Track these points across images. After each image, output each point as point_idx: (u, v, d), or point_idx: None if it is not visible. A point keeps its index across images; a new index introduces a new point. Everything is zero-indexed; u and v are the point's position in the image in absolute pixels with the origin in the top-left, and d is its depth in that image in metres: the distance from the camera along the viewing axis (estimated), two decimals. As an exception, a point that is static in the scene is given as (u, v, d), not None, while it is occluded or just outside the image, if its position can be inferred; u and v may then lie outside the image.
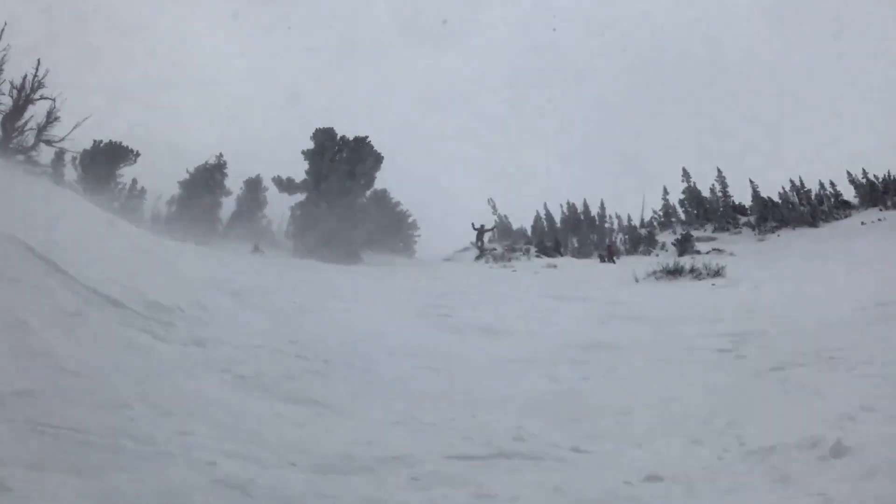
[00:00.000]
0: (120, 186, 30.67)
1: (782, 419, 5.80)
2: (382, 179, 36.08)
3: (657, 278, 20.53)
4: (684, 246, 38.92)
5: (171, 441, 4.35)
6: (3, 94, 17.36)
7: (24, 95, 17.52)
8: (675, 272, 20.69)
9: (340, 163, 33.71)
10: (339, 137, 34.70)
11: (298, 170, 34.31)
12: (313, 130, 34.64)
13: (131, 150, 28.83)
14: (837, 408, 5.76)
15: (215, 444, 4.45)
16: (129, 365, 5.81)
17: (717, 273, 20.50)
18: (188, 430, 4.61)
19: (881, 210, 43.29)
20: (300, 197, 34.04)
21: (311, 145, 34.30)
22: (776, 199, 48.78)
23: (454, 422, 5.93)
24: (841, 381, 6.84)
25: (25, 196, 10.38)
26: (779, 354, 8.54)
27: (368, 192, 35.38)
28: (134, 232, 12.20)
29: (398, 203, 38.10)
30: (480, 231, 38.28)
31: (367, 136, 34.62)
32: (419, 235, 38.55)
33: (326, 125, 34.61)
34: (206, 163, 34.95)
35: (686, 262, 22.23)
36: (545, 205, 57.00)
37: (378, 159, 34.78)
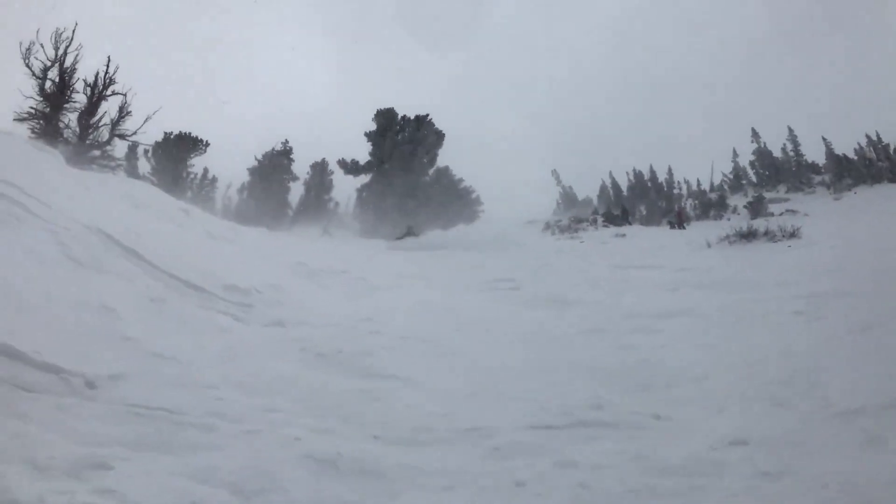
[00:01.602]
0: (192, 176, 31.42)
1: (868, 380, 5.62)
2: (445, 157, 36.11)
3: (730, 243, 20.04)
4: (757, 208, 37.84)
5: (258, 418, 4.50)
6: (78, 91, 17.97)
7: (97, 92, 18.09)
8: (748, 235, 20.16)
9: (402, 142, 33.86)
10: (400, 117, 34.82)
11: (362, 151, 34.62)
12: (374, 112, 34.85)
13: (201, 140, 29.48)
14: (925, 366, 5.57)
15: (300, 420, 4.59)
16: (213, 346, 6.00)
17: (793, 234, 19.89)
18: (273, 407, 4.75)
19: (967, 161, 41.26)
20: (365, 178, 34.35)
21: (373, 127, 34.52)
22: (851, 155, 46.99)
23: (530, 392, 5.95)
24: (930, 339, 6.60)
25: (103, 190, 10.75)
26: (860, 315, 8.26)
27: (431, 170, 35.45)
28: (208, 219, 12.54)
29: (461, 179, 38.09)
30: None
31: (427, 115, 34.66)
32: (483, 211, 38.50)
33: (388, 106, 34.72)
34: (273, 149, 35.55)
35: (759, 224, 21.64)
36: (610, 173, 56.19)
37: (440, 137, 34.81)
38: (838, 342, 7.32)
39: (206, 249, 9.79)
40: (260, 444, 4.05)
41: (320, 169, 37.29)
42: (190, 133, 29.71)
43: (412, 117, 34.51)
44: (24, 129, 17.23)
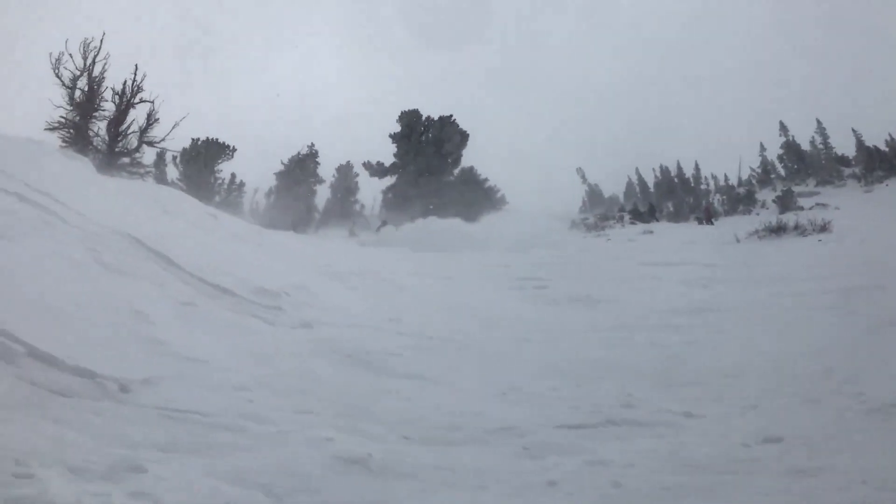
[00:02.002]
0: (219, 181, 31.74)
1: (905, 376, 5.54)
2: (469, 157, 36.14)
3: (759, 237, 19.85)
4: (786, 202, 37.35)
5: (289, 420, 4.53)
6: (106, 100, 18.24)
7: (125, 100, 18.34)
8: (778, 230, 19.94)
9: (427, 143, 33.94)
10: (424, 118, 34.91)
11: (387, 153, 34.77)
12: (399, 113, 34.98)
13: (228, 146, 29.78)
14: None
15: (330, 420, 4.61)
16: (243, 349, 6.05)
17: (823, 228, 19.64)
18: (303, 408, 4.78)
19: None
20: (390, 180, 34.49)
21: (397, 128, 34.65)
22: (883, 147, 46.20)
23: (559, 391, 5.93)
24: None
25: (133, 196, 10.89)
26: (893, 308, 8.14)
27: (456, 170, 35.51)
28: (236, 223, 12.65)
29: (486, 179, 38.08)
30: None
31: (451, 115, 34.78)
32: (508, 210, 38.44)
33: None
34: (299, 153, 35.82)
35: (789, 218, 21.40)
36: (637, 170, 55.82)
37: (464, 137, 34.89)
38: (872, 336, 7.22)
39: (234, 253, 9.88)
40: (291, 446, 4.07)
41: (346, 171, 37.53)
42: (217, 139, 30.03)
43: (436, 118, 34.58)
44: (55, 139, 17.52)
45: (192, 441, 4.02)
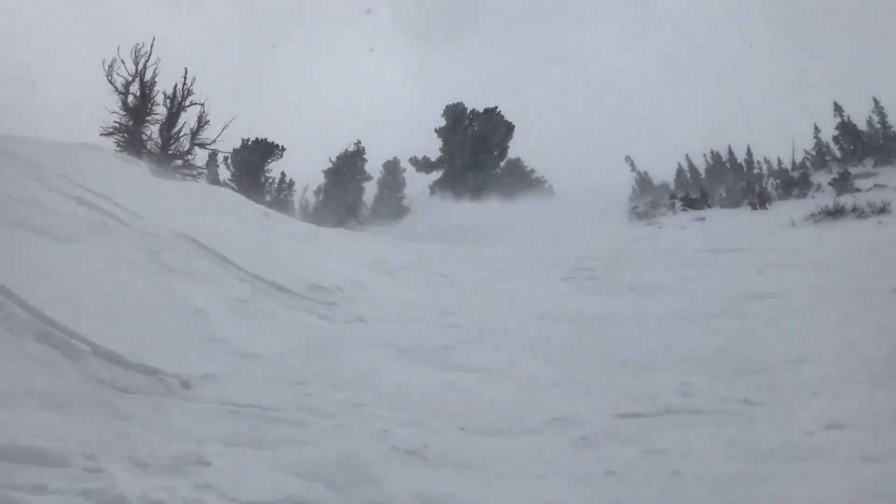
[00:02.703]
0: (270, 181, 32.15)
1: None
2: (515, 148, 35.99)
3: (816, 221, 19.34)
4: (842, 185, 36.27)
5: (347, 413, 4.59)
6: (158, 104, 18.67)
7: (177, 104, 18.75)
8: (835, 213, 19.39)
9: (472, 136, 33.90)
10: (468, 111, 34.88)
11: (433, 148, 34.83)
12: (443, 107, 35.01)
13: (277, 146, 30.16)
14: None
15: (387, 413, 4.65)
16: (299, 344, 6.15)
17: (883, 210, 19.02)
18: (361, 401, 4.83)
19: None
20: (437, 174, 34.56)
21: (442, 122, 34.69)
22: (945, 124, 44.61)
23: (616, 381, 5.87)
24: None
25: (187, 197, 11.13)
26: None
27: (502, 163, 35.41)
28: (288, 221, 12.84)
29: (532, 170, 37.86)
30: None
31: (496, 107, 34.65)
32: (557, 201, 38.16)
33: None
34: (346, 150, 36.09)
35: (846, 201, 20.81)
36: (687, 156, 54.76)
37: (509, 128, 34.75)
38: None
39: (287, 251, 10.02)
40: (349, 438, 4.12)
41: (392, 167, 37.68)
42: (266, 139, 30.41)
43: (481, 111, 34.51)
44: (110, 143, 18.01)
45: (252, 435, 4.10)
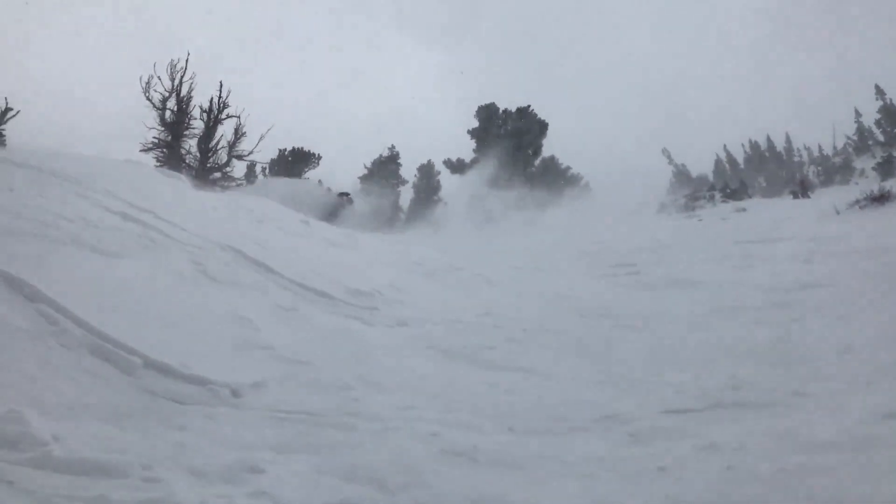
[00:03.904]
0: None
1: None
2: (549, 146, 35.84)
3: (861, 207, 18.91)
4: (887, 169, 35.51)
5: (395, 416, 4.62)
6: (195, 118, 18.98)
7: (213, 117, 19.03)
8: (880, 199, 18.93)
9: (506, 136, 33.85)
10: (501, 111, 34.84)
11: (467, 149, 34.86)
12: (476, 108, 35.02)
13: (313, 154, 30.44)
14: None
15: (434, 415, 4.67)
16: (344, 350, 6.19)
17: (931, 192, 18.58)
18: (407, 404, 4.86)
19: None
20: (471, 176, 34.55)
21: (475, 123, 34.70)
22: None
23: (663, 377, 5.82)
24: None
25: (228, 208, 11.29)
26: None
27: (537, 161, 35.29)
28: (327, 228, 12.96)
29: (568, 168, 37.67)
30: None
31: (529, 106, 34.57)
32: (594, 196, 37.90)
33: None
34: (381, 156, 36.29)
35: (892, 185, 20.33)
36: (725, 146, 54.10)
37: (543, 127, 34.65)
38: None
39: (327, 257, 10.11)
40: (398, 441, 4.15)
41: (427, 171, 37.77)
42: (302, 148, 30.71)
43: (513, 110, 34.45)
44: (150, 158, 18.35)
45: (303, 441, 4.14)
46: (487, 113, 34.58)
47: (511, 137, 33.75)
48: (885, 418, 4.27)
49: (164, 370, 4.83)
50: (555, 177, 36.02)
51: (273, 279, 7.75)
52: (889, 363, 5.57)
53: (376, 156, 36.52)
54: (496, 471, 3.78)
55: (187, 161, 18.99)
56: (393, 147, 36.60)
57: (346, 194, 28.59)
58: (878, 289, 8.66)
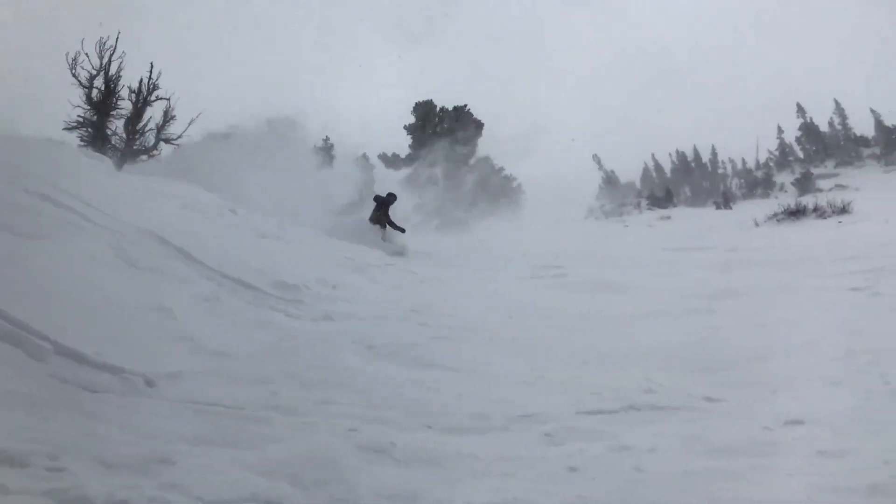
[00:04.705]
0: (234, 176, 31.73)
1: (930, 356, 5.53)
2: (485, 147, 36.10)
3: (778, 220, 19.74)
4: (804, 185, 37.13)
5: (314, 411, 4.58)
6: (123, 98, 18.38)
7: (142, 98, 18.47)
8: (797, 213, 19.82)
9: (442, 134, 33.94)
10: (438, 109, 34.93)
11: (403, 145, 34.80)
12: (413, 104, 35.03)
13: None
14: None
15: (354, 411, 4.65)
16: (266, 342, 6.11)
17: (843, 210, 19.51)
18: (328, 399, 4.82)
19: None
20: (406, 171, 34.52)
21: (412, 119, 34.71)
22: (903, 126, 45.66)
23: (582, 378, 5.94)
24: None
25: (154, 193, 11.00)
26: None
27: (472, 160, 35.50)
28: (256, 217, 12.73)
29: (501, 168, 38.00)
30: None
31: (465, 105, 34.75)
32: (525, 199, 38.35)
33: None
34: (315, 146, 35.85)
35: (808, 201, 21.23)
36: (653, 155, 55.50)
37: (479, 127, 34.86)
38: (896, 317, 7.18)
39: (255, 247, 9.97)
40: (316, 436, 4.12)
41: (362, 164, 37.52)
42: (230, 134, 30.01)
43: (450, 108, 34.58)
44: (73, 138, 17.68)
45: (218, 433, 4.07)
46: (424, 110, 34.65)
47: (447, 134, 33.86)
48: (787, 424, 4.47)
49: (76, 357, 4.67)
50: (488, 176, 36.29)
51: (196, 268, 7.58)
52: (796, 371, 5.82)
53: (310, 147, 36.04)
54: (412, 468, 3.80)
55: (113, 142, 18.37)
56: (327, 139, 36.22)
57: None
58: (791, 300, 9.03)
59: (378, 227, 17.06)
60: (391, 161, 35.42)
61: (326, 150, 36.05)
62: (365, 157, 37.33)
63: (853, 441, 4.10)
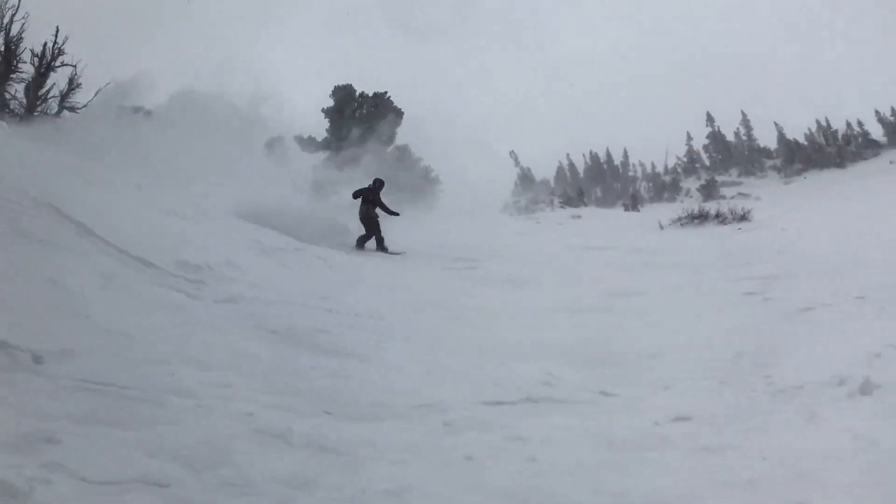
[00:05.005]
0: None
1: (810, 359, 5.85)
2: (405, 136, 35.99)
3: (682, 224, 20.49)
4: (709, 191, 38.64)
5: (211, 394, 4.49)
6: (25, 62, 17.46)
7: (46, 63, 17.60)
8: (699, 218, 20.65)
9: (360, 119, 33.69)
10: (358, 94, 34.63)
11: (320, 128, 34.33)
12: (332, 88, 34.60)
13: (149, 112, 28.79)
14: (865, 346, 5.80)
15: (253, 395, 4.59)
16: (165, 322, 5.94)
17: (743, 217, 20.41)
18: (226, 382, 4.73)
19: (911, 148, 42.56)
20: (322, 155, 34.06)
21: (330, 103, 34.28)
22: (802, 140, 48.05)
23: (484, 370, 6.04)
24: (869, 321, 6.86)
25: (53, 164, 10.52)
26: (806, 295, 8.53)
27: (390, 148, 35.34)
28: (164, 194, 12.31)
29: (420, 158, 37.95)
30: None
31: (386, 92, 34.54)
32: (442, 191, 38.46)
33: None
34: (232, 125, 34.94)
35: (711, 207, 22.11)
36: (568, 155, 56.66)
37: (398, 115, 34.71)
38: (783, 322, 7.56)
39: (159, 225, 9.66)
40: (212, 420, 4.05)
41: (276, 145, 36.84)
42: (141, 107, 28.98)
43: (370, 94, 34.34)
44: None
45: (109, 413, 3.94)
46: (343, 94, 34.26)
47: (365, 121, 33.62)
48: (675, 420, 4.66)
49: (-42, 332, 4.44)
50: (406, 166, 36.20)
51: (95, 243, 7.28)
52: (687, 369, 6.08)
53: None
54: (309, 454, 3.78)
55: (12, 108, 17.43)
56: (248, 117, 35.35)
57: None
58: (687, 301, 9.40)
59: (369, 225, 15.20)
60: (307, 144, 34.85)
61: (245, 128, 35.24)
62: (280, 138, 36.67)
63: (734, 437, 4.32)
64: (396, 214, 15.59)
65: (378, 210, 15.38)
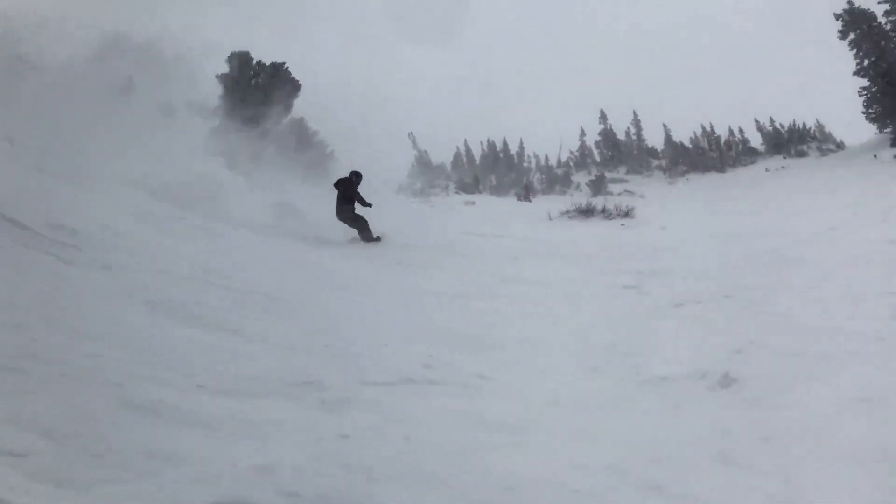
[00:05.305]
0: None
1: (677, 352, 6.17)
2: (302, 109, 35.38)
3: (570, 217, 21.11)
4: (598, 186, 39.93)
5: (77, 363, 4.28)
6: None
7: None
8: (586, 212, 21.33)
9: (256, 88, 32.86)
10: (255, 62, 33.76)
11: (213, 96, 33.20)
12: (228, 54, 33.58)
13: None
14: (729, 342, 6.16)
15: (123, 367, 4.41)
16: (31, 287, 5.64)
17: (627, 214, 21.22)
18: (95, 352, 4.53)
19: (784, 158, 45.31)
20: (214, 122, 33.01)
21: (225, 69, 33.27)
22: (688, 144, 50.34)
23: (365, 349, 6.05)
24: (733, 318, 7.29)
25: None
26: (679, 292, 8.98)
27: (286, 119, 34.65)
28: (38, 153, 11.61)
29: (316, 132, 37.39)
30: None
31: (284, 62, 33.83)
32: (337, 167, 38.02)
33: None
34: (116, 87, 33.35)
35: (598, 202, 22.86)
36: (465, 141, 57.14)
37: (296, 86, 34.07)
38: (656, 316, 7.92)
39: (32, 184, 9.13)
40: (76, 390, 3.87)
41: (166, 108, 35.43)
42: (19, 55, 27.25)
43: (268, 63, 33.57)
44: None
45: (-39, 380, 3.72)
46: (240, 61, 33.32)
47: (261, 90, 32.83)
48: (547, 404, 4.83)
49: None
50: (301, 139, 35.59)
51: (-43, 199, 6.83)
52: (564, 357, 6.30)
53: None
54: (177, 427, 3.67)
55: None
56: (130, 77, 33.82)
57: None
58: (568, 291, 9.69)
59: (355, 221, 15.10)
60: (198, 109, 33.70)
61: (130, 88, 33.71)
62: (169, 103, 35.29)
63: (600, 423, 4.51)
64: (369, 206, 15.35)
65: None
